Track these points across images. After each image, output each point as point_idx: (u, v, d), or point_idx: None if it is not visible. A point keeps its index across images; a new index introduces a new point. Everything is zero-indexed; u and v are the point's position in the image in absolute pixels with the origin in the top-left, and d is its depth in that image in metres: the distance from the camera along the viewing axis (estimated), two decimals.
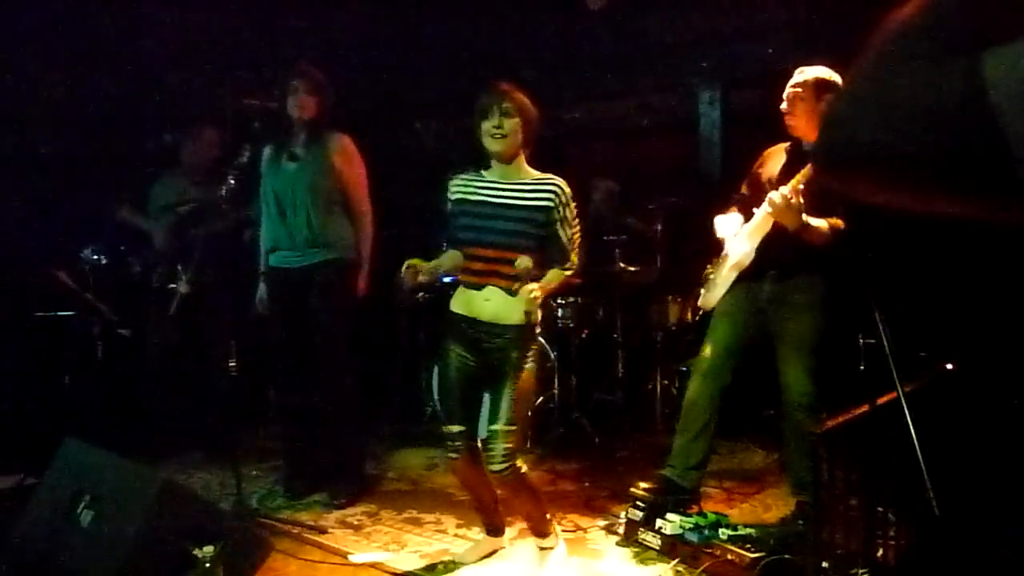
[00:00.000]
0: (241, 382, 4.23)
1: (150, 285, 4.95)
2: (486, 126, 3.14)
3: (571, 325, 5.56)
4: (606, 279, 5.74)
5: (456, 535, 3.91)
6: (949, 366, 3.21)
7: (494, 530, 3.60)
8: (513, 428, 3.14)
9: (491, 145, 3.15)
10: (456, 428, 3.26)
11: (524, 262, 3.06)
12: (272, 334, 4.35)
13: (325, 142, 4.23)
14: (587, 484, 4.64)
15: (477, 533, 3.77)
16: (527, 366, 3.18)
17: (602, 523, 4.00)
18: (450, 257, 3.33)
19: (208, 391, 4.92)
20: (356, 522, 4.09)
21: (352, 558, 3.63)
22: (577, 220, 3.24)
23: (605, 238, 5.75)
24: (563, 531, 3.84)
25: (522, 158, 3.24)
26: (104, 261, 4.76)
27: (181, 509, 3.08)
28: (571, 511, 4.19)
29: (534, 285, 3.04)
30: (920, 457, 2.50)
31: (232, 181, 3.99)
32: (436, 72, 6.75)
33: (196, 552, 2.92)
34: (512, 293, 3.09)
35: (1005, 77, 0.63)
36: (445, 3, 6.61)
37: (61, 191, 5.13)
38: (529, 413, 4.82)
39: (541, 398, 5.40)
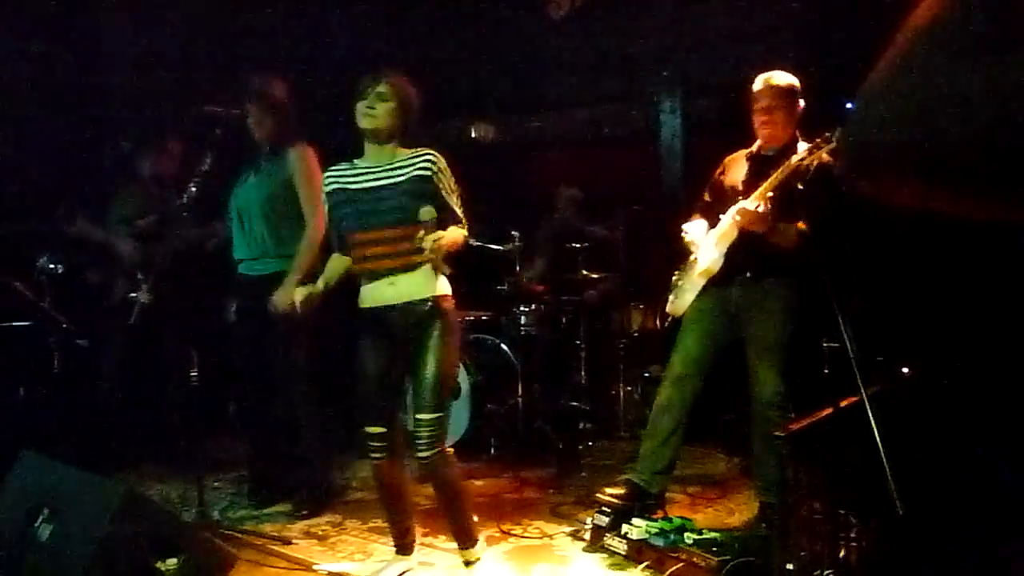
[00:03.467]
0: (202, 392, 4.18)
1: (109, 295, 4.87)
2: (360, 106, 3.14)
3: (534, 332, 5.58)
4: (569, 286, 5.76)
5: (421, 543, 3.88)
6: (905, 370, 3.27)
7: (404, 547, 3.48)
8: (439, 415, 3.13)
9: (361, 122, 3.15)
10: (376, 429, 3.22)
11: (428, 212, 3.01)
12: (233, 343, 4.31)
13: (284, 153, 4.20)
14: (552, 491, 4.64)
15: (444, 541, 3.75)
16: (447, 344, 3.15)
17: (568, 529, 4.00)
18: (332, 267, 3.33)
19: (168, 401, 4.85)
20: (321, 532, 4.06)
21: (317, 568, 3.60)
22: (456, 186, 3.24)
23: (568, 245, 5.77)
24: (529, 538, 3.85)
25: (396, 144, 3.23)
26: (61, 270, 4.68)
27: (143, 521, 3.03)
28: (536, 518, 4.19)
29: (439, 233, 3.00)
30: (884, 459, 2.54)
31: (193, 189, 3.95)
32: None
33: (159, 565, 2.89)
34: (417, 254, 3.03)
35: None
36: (404, 12, 6.62)
37: (15, 200, 5.03)
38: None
39: (505, 405, 5.40)
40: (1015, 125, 0.63)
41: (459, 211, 3.21)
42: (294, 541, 3.91)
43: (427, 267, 3.14)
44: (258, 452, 4.48)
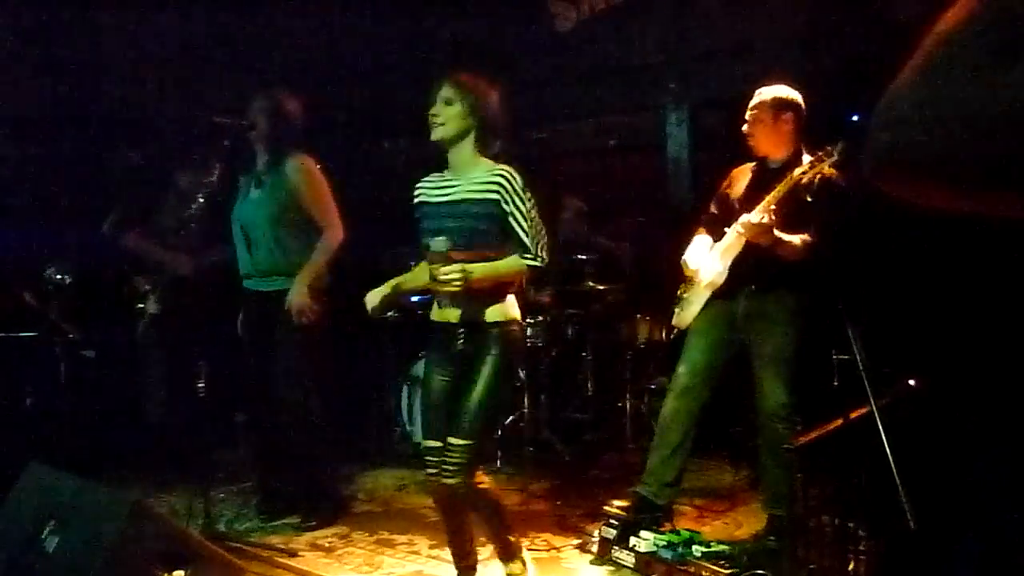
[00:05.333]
0: (210, 404, 4.18)
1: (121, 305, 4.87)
2: (429, 115, 3.02)
3: (540, 344, 5.57)
4: (575, 298, 5.76)
5: (429, 556, 3.88)
6: (912, 382, 3.26)
7: (467, 569, 3.31)
8: (471, 443, 2.99)
9: (431, 134, 3.02)
10: (434, 443, 3.08)
11: (440, 243, 2.89)
12: (241, 356, 4.30)
13: (286, 166, 4.17)
14: (559, 503, 4.63)
15: (450, 555, 3.73)
16: (500, 374, 3.04)
17: (575, 542, 3.99)
18: (412, 274, 3.25)
19: (177, 413, 4.84)
20: (328, 544, 4.05)
21: None
22: (535, 211, 3.04)
23: (574, 257, 5.76)
24: (536, 551, 3.83)
25: (474, 150, 3.07)
26: (68, 280, 4.68)
27: (150, 533, 3.02)
28: (544, 530, 4.17)
29: (462, 266, 2.87)
30: (895, 471, 2.52)
31: (201, 200, 3.95)
32: (405, 91, 6.75)
33: None
34: (436, 284, 2.94)
35: None
36: (413, 24, 6.65)
37: (25, 210, 5.04)
38: (496, 430, 4.81)
39: (511, 417, 5.39)
40: None
41: (527, 239, 2.99)
42: (300, 553, 3.90)
43: (498, 292, 3.04)
44: (265, 464, 4.47)
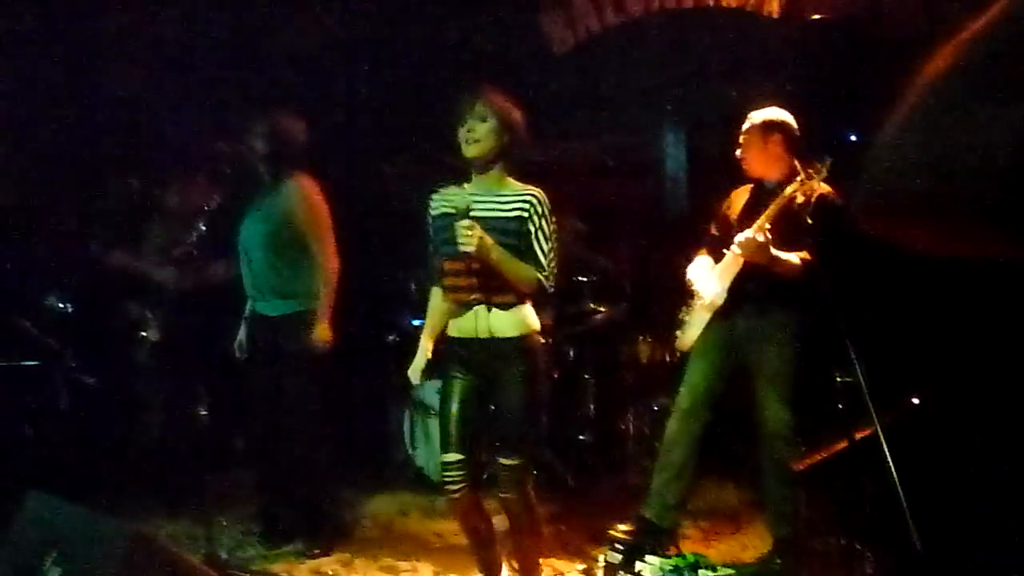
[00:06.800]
0: (211, 430, 4.16)
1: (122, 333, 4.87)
2: (461, 132, 3.04)
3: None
4: (575, 319, 5.74)
5: None
6: (916, 400, 3.25)
7: None
8: (521, 461, 3.03)
9: (465, 151, 3.04)
10: (454, 456, 3.08)
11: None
12: (243, 381, 4.29)
13: (285, 189, 4.16)
14: (563, 527, 4.59)
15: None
16: (532, 384, 3.07)
17: (580, 567, 3.96)
18: (430, 319, 3.29)
19: (178, 440, 4.82)
20: (331, 572, 4.02)
21: None
22: (555, 237, 3.09)
23: (573, 278, 5.76)
24: None
25: (502, 168, 3.12)
26: (70, 309, 4.68)
27: (152, 563, 3.00)
28: (548, 555, 4.13)
29: (479, 230, 2.92)
30: (900, 492, 2.52)
31: (203, 227, 3.96)
32: (402, 114, 6.78)
33: None
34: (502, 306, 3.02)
35: None
36: (410, 45, 6.68)
37: (25, 237, 5.04)
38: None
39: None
40: None
41: (544, 260, 3.03)
42: None
43: (517, 303, 3.07)
44: (268, 491, 4.44)
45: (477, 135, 3.02)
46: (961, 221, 0.71)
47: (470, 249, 2.91)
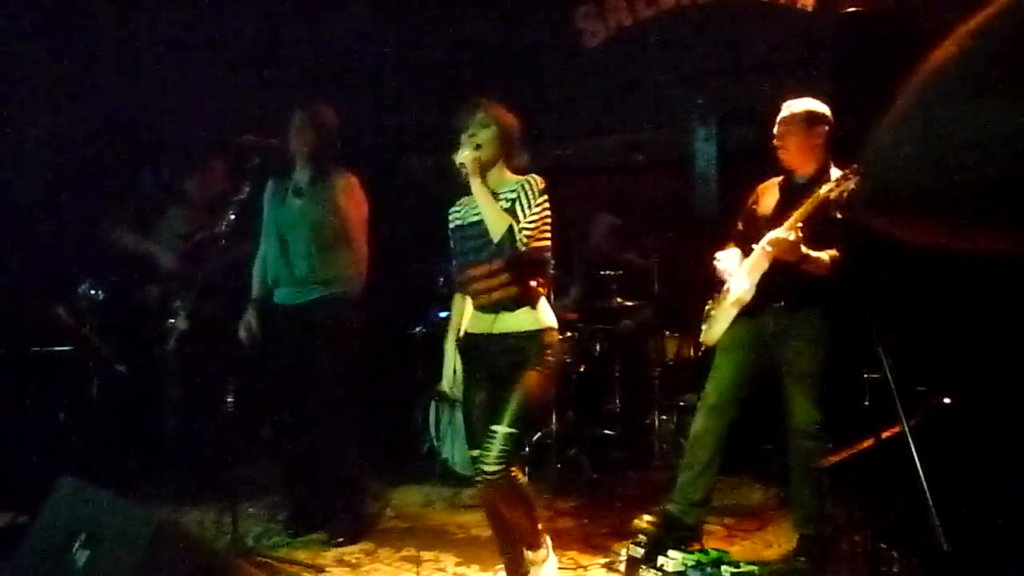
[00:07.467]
0: (237, 419, 4.19)
1: (152, 320, 4.93)
2: (463, 138, 3.14)
3: (568, 360, 5.55)
4: (603, 314, 5.74)
5: (455, 573, 3.86)
6: (947, 400, 3.21)
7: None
8: (514, 432, 3.04)
9: (462, 156, 3.11)
10: (479, 453, 3.13)
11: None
12: (270, 370, 4.33)
13: (331, 180, 4.26)
14: (586, 521, 4.60)
15: (477, 572, 3.72)
16: (541, 369, 3.10)
17: (603, 560, 3.96)
18: (458, 311, 3.35)
19: (204, 428, 4.87)
20: (354, 560, 4.04)
21: None
22: (541, 215, 3.11)
23: (602, 273, 5.75)
24: (563, 569, 3.80)
25: (502, 168, 3.21)
26: (102, 296, 4.73)
27: (178, 549, 3.03)
28: (570, 548, 4.14)
29: (476, 154, 3.08)
30: (927, 492, 2.48)
31: (233, 217, 3.99)
32: (431, 108, 6.80)
33: None
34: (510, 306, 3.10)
35: None
36: (440, 40, 6.69)
37: (59, 226, 5.12)
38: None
39: (538, 434, 5.37)
40: None
41: (522, 218, 3.05)
42: (327, 569, 3.90)
43: (532, 302, 3.13)
44: (294, 480, 4.48)
45: (480, 138, 3.14)
46: (960, 217, 0.70)
47: (471, 169, 3.06)
